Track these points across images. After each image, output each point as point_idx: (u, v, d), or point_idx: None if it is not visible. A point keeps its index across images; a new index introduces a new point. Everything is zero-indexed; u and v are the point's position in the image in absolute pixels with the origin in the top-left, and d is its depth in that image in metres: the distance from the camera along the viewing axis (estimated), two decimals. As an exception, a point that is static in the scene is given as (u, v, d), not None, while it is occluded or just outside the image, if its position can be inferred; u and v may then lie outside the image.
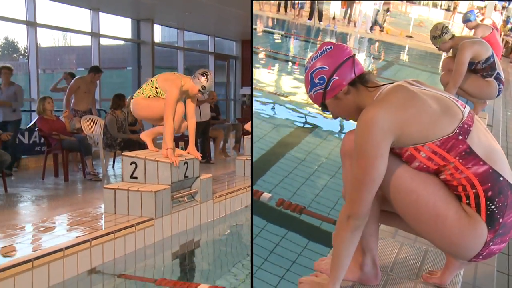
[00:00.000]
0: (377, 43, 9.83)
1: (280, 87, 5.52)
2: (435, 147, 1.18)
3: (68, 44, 7.73)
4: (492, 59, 3.17)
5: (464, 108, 1.23)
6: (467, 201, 1.19)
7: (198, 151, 3.40)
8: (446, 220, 1.19)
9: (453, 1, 14.15)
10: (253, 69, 6.09)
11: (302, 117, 4.36)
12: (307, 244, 2.21)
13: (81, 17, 6.93)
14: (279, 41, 8.69)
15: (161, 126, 3.22)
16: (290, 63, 7.12)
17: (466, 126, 1.19)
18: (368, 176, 1.17)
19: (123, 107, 5.08)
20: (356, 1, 9.90)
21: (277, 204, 2.49)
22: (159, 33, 9.19)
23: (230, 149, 6.50)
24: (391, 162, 1.20)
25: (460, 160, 1.18)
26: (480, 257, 1.24)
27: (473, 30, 4.16)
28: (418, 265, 1.55)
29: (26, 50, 6.34)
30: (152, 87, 3.12)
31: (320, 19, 10.03)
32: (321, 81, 1.27)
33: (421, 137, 1.18)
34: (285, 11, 10.62)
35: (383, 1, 10.35)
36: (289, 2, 10.41)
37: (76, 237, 2.39)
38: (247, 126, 4.61)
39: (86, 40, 7.10)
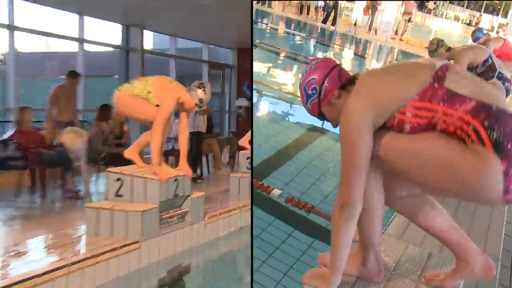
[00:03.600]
0: (396, 52, 10.23)
1: (297, 88, 5.85)
2: (416, 103, 1.38)
3: (51, 49, 7.76)
4: (490, 61, 3.34)
5: (441, 61, 1.44)
6: (470, 140, 1.31)
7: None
8: (455, 165, 1.31)
9: (475, 17, 15.59)
10: (253, 70, 6.49)
11: (317, 119, 4.54)
12: (312, 242, 2.42)
13: (65, 21, 6.98)
14: (300, 42, 9.44)
15: (145, 137, 3.21)
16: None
17: (440, 73, 1.39)
18: (353, 160, 1.39)
19: (109, 118, 5.06)
20: (378, 9, 10.66)
21: (286, 201, 2.72)
22: (149, 40, 9.27)
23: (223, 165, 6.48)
24: (387, 136, 1.41)
25: (445, 105, 1.35)
26: (511, 191, 1.29)
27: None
28: (421, 267, 1.70)
29: (3, 56, 6.35)
30: (145, 88, 3.08)
31: (324, 22, 10.86)
32: (314, 91, 1.54)
33: (399, 102, 1.39)
34: (307, 13, 11.51)
35: (403, 11, 11.11)
36: (312, 5, 11.38)
37: (52, 262, 2.34)
38: (242, 142, 4.58)
39: (70, 46, 7.13)
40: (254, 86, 5.60)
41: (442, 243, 1.58)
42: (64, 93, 5.29)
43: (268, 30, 9.57)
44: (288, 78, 6.71)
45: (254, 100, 5.25)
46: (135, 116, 3.15)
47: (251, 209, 2.54)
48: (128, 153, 3.25)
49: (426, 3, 15.00)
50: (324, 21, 11.01)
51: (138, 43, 7.94)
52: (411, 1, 11.33)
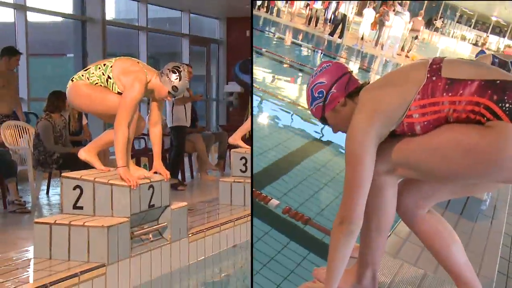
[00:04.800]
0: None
1: (300, 99, 6.99)
2: (419, 102, 1.68)
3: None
4: (496, 60, 3.79)
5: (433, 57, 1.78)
6: (485, 118, 1.60)
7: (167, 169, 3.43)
8: (477, 147, 1.59)
9: (482, 37, 19.48)
10: (253, 69, 7.49)
11: (318, 131, 5.47)
12: (307, 255, 2.89)
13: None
14: (306, 53, 11.73)
15: (108, 134, 3.24)
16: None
17: (434, 66, 1.70)
18: (356, 175, 1.71)
19: (62, 109, 5.09)
20: (386, 25, 13.07)
21: (283, 212, 3.12)
22: (112, 7, 9.26)
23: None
24: (404, 143, 1.73)
25: (449, 94, 1.64)
26: None
27: None
28: (415, 287, 2.11)
29: None
30: (103, 74, 3.11)
31: (331, 35, 13.37)
32: (320, 95, 1.87)
33: (402, 107, 1.70)
34: (315, 25, 14.15)
35: (411, 28, 13.77)
36: (321, 17, 14.20)
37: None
38: (234, 139, 4.62)
39: (6, 15, 7.11)
40: (259, 94, 6.55)
41: (452, 277, 1.89)
42: (0, 76, 5.29)
43: (275, 40, 11.95)
44: (292, 88, 8.07)
45: (256, 109, 6.17)
46: (92, 108, 3.19)
47: (251, 220, 2.90)
48: (83, 153, 3.25)
49: (434, 21, 17.83)
50: (332, 33, 13.31)
51: (98, 12, 7.94)
52: (419, 19, 13.87)
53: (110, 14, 8.76)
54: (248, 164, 4.40)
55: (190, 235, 3.45)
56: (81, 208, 2.98)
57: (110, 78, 3.09)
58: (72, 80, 3.16)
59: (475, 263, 2.54)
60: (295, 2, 14.80)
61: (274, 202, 3.32)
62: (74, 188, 2.99)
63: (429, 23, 17.35)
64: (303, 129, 5.63)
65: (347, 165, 1.74)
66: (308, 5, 14.35)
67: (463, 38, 20.25)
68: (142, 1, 8.96)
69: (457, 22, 19.98)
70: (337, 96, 1.85)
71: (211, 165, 6.47)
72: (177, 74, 3.13)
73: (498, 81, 1.61)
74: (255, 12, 13.87)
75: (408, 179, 1.88)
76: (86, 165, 3.30)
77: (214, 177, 6.19)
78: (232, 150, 4.64)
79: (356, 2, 14.68)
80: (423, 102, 1.67)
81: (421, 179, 1.80)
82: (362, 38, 13.53)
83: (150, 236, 3.16)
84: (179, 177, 5.95)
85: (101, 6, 7.93)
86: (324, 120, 1.92)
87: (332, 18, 13.73)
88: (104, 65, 3.13)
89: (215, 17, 10.74)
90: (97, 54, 7.92)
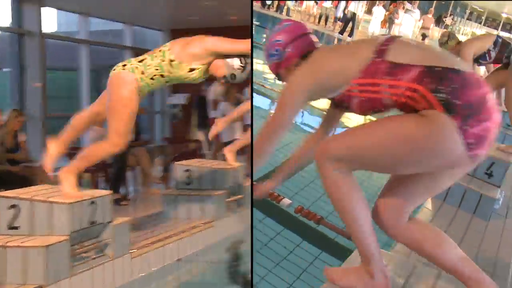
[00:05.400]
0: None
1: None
2: (359, 81, 1.72)
3: None
4: (500, 40, 4.45)
5: (386, 36, 1.82)
6: (421, 107, 1.63)
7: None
8: (412, 137, 1.62)
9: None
10: (253, 70, 7.63)
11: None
12: (320, 254, 2.93)
13: None
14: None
15: (91, 150, 3.21)
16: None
17: (382, 47, 1.71)
18: (277, 120, 1.87)
19: (-3, 125, 4.91)
20: (396, 23, 13.25)
21: (295, 211, 3.17)
22: (51, 20, 9.03)
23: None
24: (344, 138, 1.77)
25: (389, 77, 1.66)
26: (472, 146, 1.60)
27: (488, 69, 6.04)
28: (430, 287, 2.10)
29: None
30: (163, 60, 3.02)
31: (341, 33, 13.46)
32: (276, 53, 1.94)
33: (338, 79, 1.76)
34: (325, 24, 14.43)
35: (421, 26, 14.10)
36: (330, 16, 14.33)
37: None
38: (229, 150, 4.56)
39: None
40: (265, 92, 6.63)
41: (453, 275, 1.85)
42: None
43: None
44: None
45: (267, 107, 6.20)
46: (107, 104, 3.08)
47: (251, 217, 2.95)
48: (63, 174, 3.10)
49: (444, 19, 17.95)
50: (341, 32, 13.34)
51: (36, 25, 7.74)
52: (429, 16, 14.07)
53: (49, 27, 8.55)
54: (193, 176, 4.42)
55: (133, 250, 3.43)
56: (17, 228, 2.91)
57: (173, 60, 3.01)
58: (115, 70, 3.07)
59: (489, 262, 2.58)
60: (305, 1, 14.85)
61: (286, 201, 3.32)
62: (10, 207, 2.92)
63: (439, 21, 17.35)
64: (315, 127, 5.66)
65: (275, 108, 1.87)
66: (317, 3, 14.39)
67: (473, 36, 20.57)
68: (82, 14, 8.81)
69: (467, 19, 19.97)
70: (291, 56, 1.91)
71: (155, 178, 6.42)
72: (242, 63, 3.06)
73: (437, 68, 1.60)
74: (264, 11, 14.17)
75: (382, 194, 1.90)
76: (23, 184, 3.23)
77: (158, 190, 6.14)
78: (175, 163, 4.64)
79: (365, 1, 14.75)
80: (362, 81, 1.70)
81: (366, 169, 1.84)
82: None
83: (92, 253, 3.13)
84: (122, 191, 5.87)
85: (38, 19, 7.74)
86: (278, 77, 2.00)
87: (341, 17, 13.75)
88: (160, 51, 3.07)
89: (158, 29, 10.69)
90: (35, 68, 7.71)
